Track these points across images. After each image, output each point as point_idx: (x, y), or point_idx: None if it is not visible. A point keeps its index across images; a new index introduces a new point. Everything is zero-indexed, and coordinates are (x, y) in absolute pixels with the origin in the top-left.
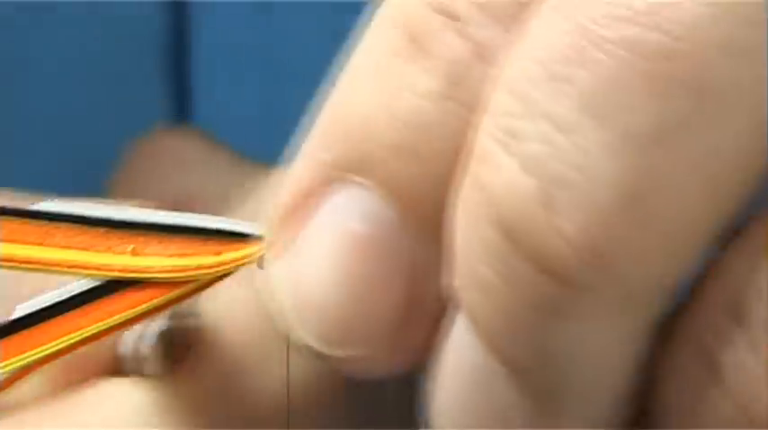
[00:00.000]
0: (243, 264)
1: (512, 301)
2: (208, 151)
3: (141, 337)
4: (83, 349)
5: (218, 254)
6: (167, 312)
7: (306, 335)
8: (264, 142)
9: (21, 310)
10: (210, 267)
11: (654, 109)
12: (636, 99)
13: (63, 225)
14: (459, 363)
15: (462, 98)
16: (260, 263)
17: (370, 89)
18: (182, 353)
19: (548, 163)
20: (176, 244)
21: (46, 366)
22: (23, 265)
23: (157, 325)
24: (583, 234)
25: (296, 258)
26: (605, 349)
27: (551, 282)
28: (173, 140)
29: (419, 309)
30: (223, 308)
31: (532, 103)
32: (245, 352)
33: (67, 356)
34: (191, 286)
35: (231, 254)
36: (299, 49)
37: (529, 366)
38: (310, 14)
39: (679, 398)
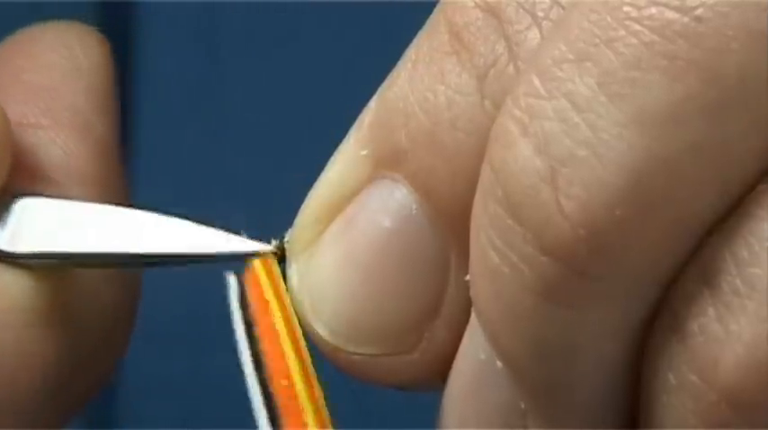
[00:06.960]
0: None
1: (513, 286)
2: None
3: None
4: None
5: None
6: None
7: (321, 328)
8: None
9: None
10: None
11: (669, 90)
12: (653, 79)
13: None
14: (465, 362)
15: (493, 95)
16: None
17: (407, 81)
18: None
19: (558, 140)
20: None
21: None
22: None
23: None
24: (583, 211)
25: (319, 253)
26: (600, 342)
27: (552, 265)
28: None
29: (442, 310)
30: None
31: (555, 81)
32: None
33: None
34: None
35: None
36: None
37: (526, 360)
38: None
39: (652, 368)
